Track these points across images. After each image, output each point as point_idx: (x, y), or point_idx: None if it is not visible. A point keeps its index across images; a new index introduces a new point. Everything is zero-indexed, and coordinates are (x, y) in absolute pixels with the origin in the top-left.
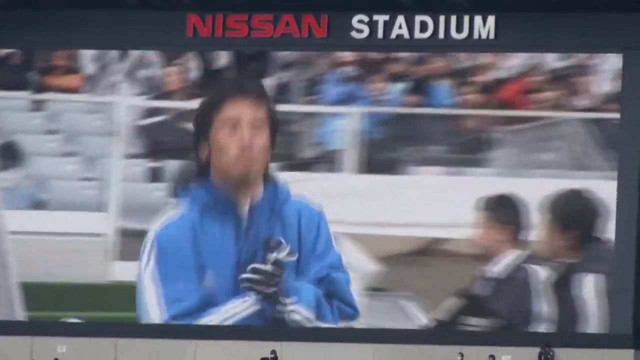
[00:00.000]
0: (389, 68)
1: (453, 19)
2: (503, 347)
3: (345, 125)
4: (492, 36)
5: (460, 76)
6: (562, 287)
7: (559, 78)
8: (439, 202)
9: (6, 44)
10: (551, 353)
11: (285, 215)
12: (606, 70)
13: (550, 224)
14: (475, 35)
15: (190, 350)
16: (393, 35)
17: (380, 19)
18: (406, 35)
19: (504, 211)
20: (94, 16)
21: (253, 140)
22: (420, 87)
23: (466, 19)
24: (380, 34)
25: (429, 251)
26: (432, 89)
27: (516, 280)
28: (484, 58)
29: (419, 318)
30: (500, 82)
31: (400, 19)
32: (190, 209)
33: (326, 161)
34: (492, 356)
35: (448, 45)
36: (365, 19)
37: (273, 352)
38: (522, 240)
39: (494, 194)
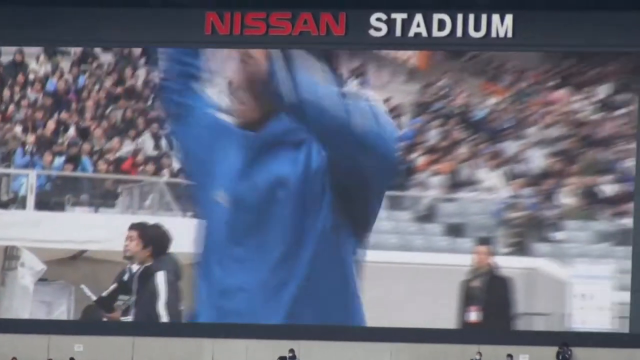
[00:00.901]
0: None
1: (471, 17)
2: (521, 347)
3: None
4: (509, 35)
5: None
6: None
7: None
8: (88, 228)
9: (27, 41)
10: (569, 352)
11: None
12: None
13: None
14: (493, 34)
15: (208, 348)
16: (411, 33)
17: (399, 17)
18: (424, 34)
19: (147, 234)
20: (112, 14)
21: None
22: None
23: (484, 17)
24: (398, 32)
25: (78, 257)
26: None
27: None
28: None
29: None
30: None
31: (419, 17)
32: None
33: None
34: (510, 355)
35: (466, 44)
36: (384, 17)
37: (291, 350)
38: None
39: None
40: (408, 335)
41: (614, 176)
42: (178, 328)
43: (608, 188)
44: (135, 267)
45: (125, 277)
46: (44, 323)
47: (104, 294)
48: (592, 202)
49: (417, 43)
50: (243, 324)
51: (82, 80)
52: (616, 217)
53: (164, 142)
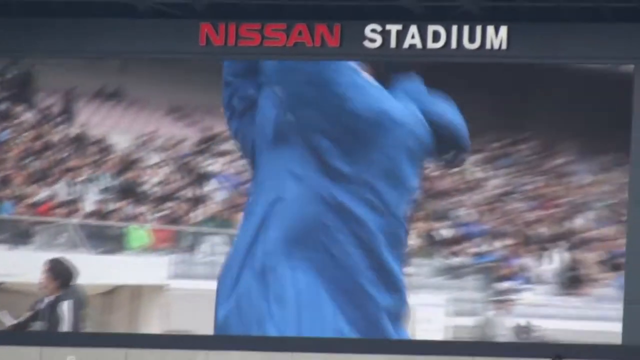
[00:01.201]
0: None
1: (465, 28)
2: (513, 359)
3: None
4: (504, 46)
5: None
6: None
7: None
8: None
9: (15, 53)
10: None
11: None
12: None
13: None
14: (488, 46)
15: None
16: (406, 44)
17: (393, 28)
18: (419, 45)
19: (55, 269)
20: (105, 24)
21: None
22: None
23: (478, 29)
24: (393, 44)
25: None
26: None
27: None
28: None
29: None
30: None
31: (413, 29)
32: None
33: None
34: None
35: (460, 55)
36: (378, 28)
37: None
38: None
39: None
40: (404, 347)
41: (450, 222)
42: (172, 340)
43: (445, 232)
44: (47, 298)
45: (39, 306)
46: (36, 334)
47: (20, 319)
48: (431, 243)
49: (411, 54)
50: (238, 336)
51: (5, 134)
52: (451, 255)
53: (78, 188)
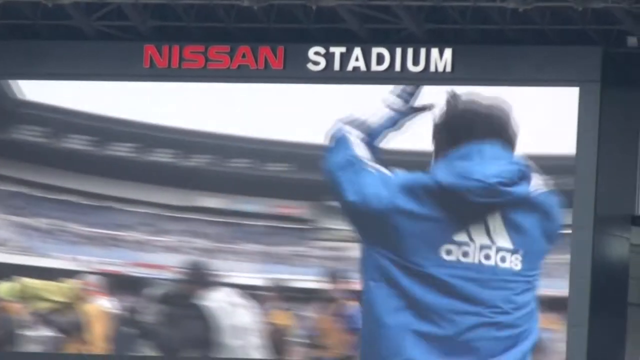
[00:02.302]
0: None
1: (410, 51)
2: None
3: None
4: (448, 69)
5: None
6: None
7: None
8: None
9: None
10: None
11: None
12: None
13: None
14: (432, 68)
15: None
16: (349, 67)
17: (337, 50)
18: (363, 68)
19: None
20: (48, 47)
21: None
22: None
23: (423, 51)
24: (337, 66)
25: None
26: None
27: None
28: None
29: None
30: None
31: (357, 51)
32: None
33: None
34: None
35: (404, 78)
36: (322, 50)
37: None
38: None
39: None
40: None
41: None
42: None
43: None
44: None
45: None
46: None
47: None
48: None
49: (355, 77)
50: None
51: None
52: None
53: None
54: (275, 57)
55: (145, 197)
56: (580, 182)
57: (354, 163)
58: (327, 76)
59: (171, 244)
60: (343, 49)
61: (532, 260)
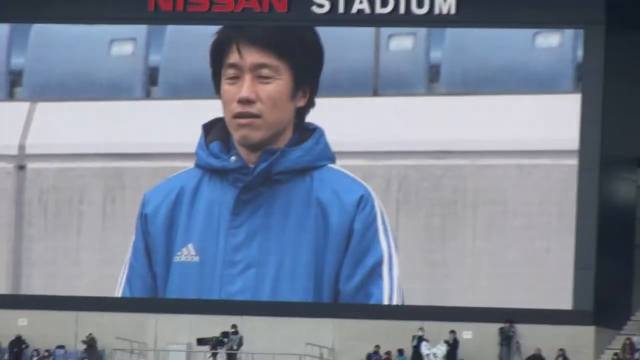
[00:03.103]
0: None
1: None
2: (464, 323)
3: None
4: (453, 11)
5: None
6: None
7: None
8: None
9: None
10: (513, 329)
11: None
12: None
13: None
14: (436, 11)
15: (151, 323)
16: (354, 9)
17: None
18: (367, 10)
19: None
20: None
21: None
22: None
23: None
24: (341, 9)
25: None
26: None
27: None
28: None
29: None
30: None
31: None
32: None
33: None
34: (452, 331)
35: (409, 20)
36: None
37: (234, 326)
38: None
39: None
40: (351, 310)
41: None
42: (122, 303)
43: None
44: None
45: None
46: None
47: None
48: None
49: (360, 19)
50: (186, 299)
51: None
52: None
53: None
54: None
55: None
56: (586, 124)
57: None
58: (331, 19)
59: None
60: None
61: None
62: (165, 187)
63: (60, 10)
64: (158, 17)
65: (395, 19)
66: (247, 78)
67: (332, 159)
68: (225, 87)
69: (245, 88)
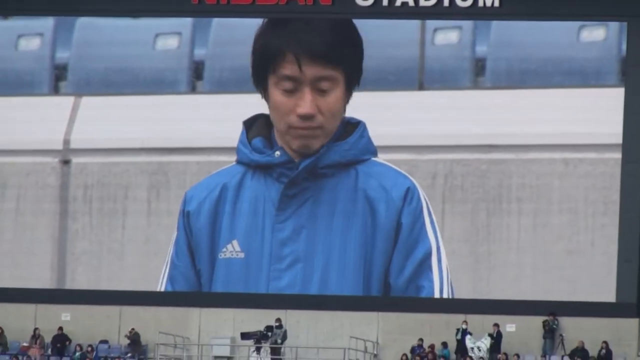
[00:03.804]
0: None
1: None
2: (507, 316)
3: None
4: (497, 4)
5: None
6: None
7: None
8: None
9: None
10: (556, 322)
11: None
12: None
13: None
14: (480, 3)
15: (195, 317)
16: (398, 2)
17: None
18: (411, 3)
19: None
20: None
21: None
22: None
23: None
24: (385, 2)
25: None
26: None
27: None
28: None
29: None
30: None
31: None
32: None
33: None
34: (496, 324)
35: (453, 13)
36: None
37: (278, 320)
38: None
39: None
40: (396, 304)
41: None
42: (166, 297)
43: None
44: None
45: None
46: (31, 292)
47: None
48: None
49: (404, 12)
50: (231, 293)
51: None
52: None
53: None
54: None
55: None
56: (630, 117)
57: None
58: (375, 11)
59: None
60: None
61: None
62: (208, 184)
63: (105, 3)
64: (202, 10)
65: (439, 12)
66: (307, 92)
67: (375, 153)
68: (279, 97)
69: (307, 103)
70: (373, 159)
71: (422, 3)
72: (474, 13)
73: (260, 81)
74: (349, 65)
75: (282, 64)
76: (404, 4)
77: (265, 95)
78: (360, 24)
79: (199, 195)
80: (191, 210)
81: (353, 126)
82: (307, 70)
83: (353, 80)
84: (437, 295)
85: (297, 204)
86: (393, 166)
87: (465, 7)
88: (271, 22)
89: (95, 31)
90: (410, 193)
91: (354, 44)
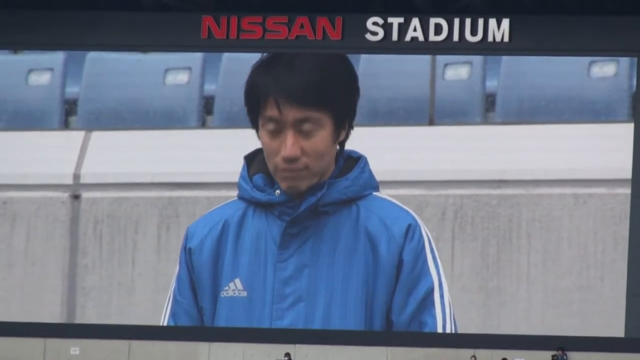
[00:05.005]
0: None
1: (468, 21)
2: (516, 351)
3: None
4: (506, 39)
5: None
6: None
7: None
8: None
9: (20, 45)
10: (565, 357)
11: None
12: None
13: None
14: (490, 38)
15: (204, 351)
16: (408, 37)
17: (395, 21)
18: (421, 38)
19: None
20: (107, 17)
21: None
22: None
23: (480, 21)
24: (395, 37)
25: None
26: None
27: None
28: None
29: None
30: None
31: (415, 22)
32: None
33: None
34: (504, 359)
35: (462, 48)
36: (380, 21)
37: (287, 354)
38: None
39: None
40: (403, 338)
41: None
42: (175, 331)
43: None
44: None
45: None
46: (40, 326)
47: None
48: None
49: (413, 47)
50: (239, 328)
51: None
52: None
53: None
54: (334, 27)
55: None
56: (638, 152)
57: None
58: (385, 46)
59: None
60: (401, 19)
61: None
62: (209, 219)
63: (115, 38)
64: (210, 45)
65: (448, 47)
66: (290, 134)
67: (377, 187)
68: (266, 139)
69: (289, 146)
70: (374, 193)
71: (431, 38)
72: (484, 48)
73: (252, 121)
74: (335, 105)
75: (266, 106)
76: (413, 39)
77: (258, 136)
78: (370, 58)
79: (200, 232)
80: (193, 247)
81: (354, 161)
82: (287, 112)
83: (343, 120)
84: (440, 330)
85: (299, 242)
86: (394, 201)
87: (475, 42)
88: (261, 63)
89: (105, 65)
90: (411, 230)
91: (343, 82)
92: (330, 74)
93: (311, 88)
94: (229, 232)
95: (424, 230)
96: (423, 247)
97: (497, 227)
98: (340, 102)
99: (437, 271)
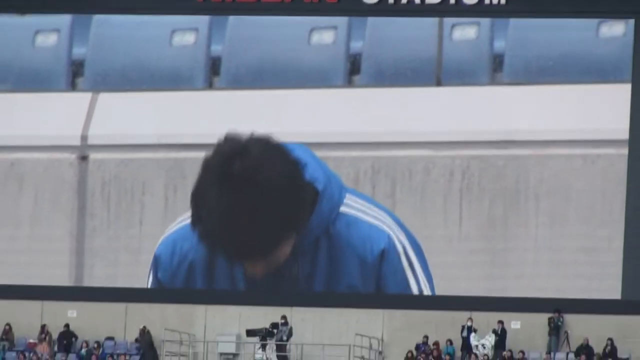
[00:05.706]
0: None
1: None
2: (512, 313)
3: None
4: (503, 1)
5: None
6: None
7: None
8: None
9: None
10: (561, 319)
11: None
12: None
13: None
14: (487, 0)
15: (201, 314)
16: (404, 0)
17: None
18: (417, 0)
19: None
20: None
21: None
22: None
23: None
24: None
25: None
26: None
27: None
28: None
29: None
30: None
31: None
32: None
33: None
34: (500, 321)
35: (459, 10)
36: None
37: (283, 317)
38: None
39: None
40: (400, 301)
41: None
42: (171, 294)
43: None
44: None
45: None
46: (38, 289)
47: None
48: None
49: (410, 10)
50: (236, 291)
51: None
52: None
53: None
54: None
55: None
56: (636, 113)
57: None
58: (382, 9)
59: None
60: None
61: None
62: (173, 251)
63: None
64: (208, 8)
65: (445, 9)
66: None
67: (340, 200)
68: None
69: (255, 274)
70: (341, 211)
71: (428, 0)
72: (480, 10)
73: None
74: (284, 240)
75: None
76: (409, 1)
77: None
78: (377, 20)
79: (167, 264)
80: (162, 280)
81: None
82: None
83: (302, 227)
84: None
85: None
86: (363, 218)
87: (472, 4)
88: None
89: (112, 27)
90: (385, 254)
91: (288, 200)
92: (274, 206)
93: (255, 246)
94: (196, 275)
95: (398, 243)
96: (399, 263)
97: (504, 188)
98: (294, 224)
99: (416, 281)
